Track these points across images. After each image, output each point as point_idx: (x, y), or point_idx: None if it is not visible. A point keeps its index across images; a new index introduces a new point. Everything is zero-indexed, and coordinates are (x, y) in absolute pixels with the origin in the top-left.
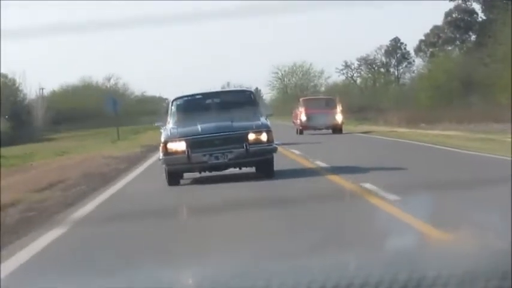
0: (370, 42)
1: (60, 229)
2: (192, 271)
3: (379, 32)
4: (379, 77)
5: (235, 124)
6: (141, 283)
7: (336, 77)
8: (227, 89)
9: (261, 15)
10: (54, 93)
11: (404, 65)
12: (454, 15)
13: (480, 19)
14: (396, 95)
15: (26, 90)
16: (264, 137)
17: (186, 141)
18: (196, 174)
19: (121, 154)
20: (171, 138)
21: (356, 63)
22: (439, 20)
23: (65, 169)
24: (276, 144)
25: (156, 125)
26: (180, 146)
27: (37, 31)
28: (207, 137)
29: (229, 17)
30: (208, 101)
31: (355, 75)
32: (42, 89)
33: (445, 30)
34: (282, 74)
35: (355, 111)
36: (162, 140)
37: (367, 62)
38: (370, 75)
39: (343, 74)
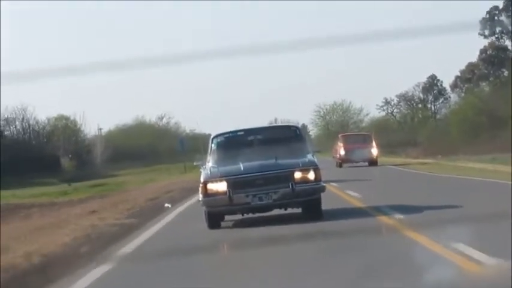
0: (409, 79)
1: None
2: None
3: (417, 70)
4: (417, 113)
5: (280, 162)
6: None
7: (377, 113)
8: (271, 124)
9: (302, 54)
10: (110, 133)
11: (440, 101)
12: (488, 52)
13: None
14: (431, 129)
15: (86, 130)
16: (311, 175)
17: (228, 181)
18: (239, 216)
19: (196, 178)
20: (211, 178)
21: (395, 100)
22: (474, 57)
23: (162, 188)
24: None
25: (195, 164)
26: (220, 186)
27: (88, 69)
28: (249, 176)
29: (275, 54)
30: (251, 138)
31: (394, 111)
32: (101, 129)
33: (480, 67)
34: (323, 112)
35: (394, 146)
36: (202, 180)
37: (406, 99)
38: (409, 111)
39: (384, 110)
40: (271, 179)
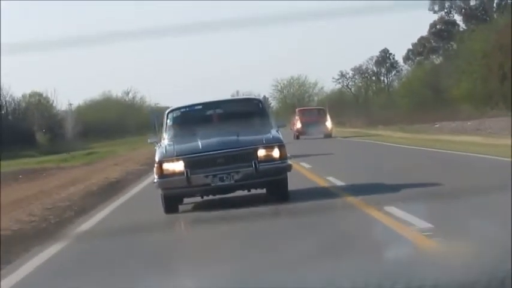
0: (363, 53)
1: None
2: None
3: (370, 44)
4: (371, 85)
5: (242, 138)
6: None
7: (333, 86)
8: (232, 97)
9: (261, 29)
10: (79, 108)
11: (393, 73)
12: (438, 27)
13: (461, 29)
14: (383, 101)
15: (57, 106)
16: (276, 152)
17: (185, 160)
18: (198, 199)
19: None
20: (167, 157)
21: (351, 73)
22: (424, 31)
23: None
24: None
25: (149, 142)
26: (177, 166)
27: (56, 45)
28: (209, 154)
29: (234, 31)
30: (210, 112)
31: (350, 84)
32: (71, 104)
33: (430, 40)
34: (281, 87)
35: (348, 117)
36: (156, 159)
37: (360, 72)
38: (363, 83)
39: (339, 83)
40: (233, 158)
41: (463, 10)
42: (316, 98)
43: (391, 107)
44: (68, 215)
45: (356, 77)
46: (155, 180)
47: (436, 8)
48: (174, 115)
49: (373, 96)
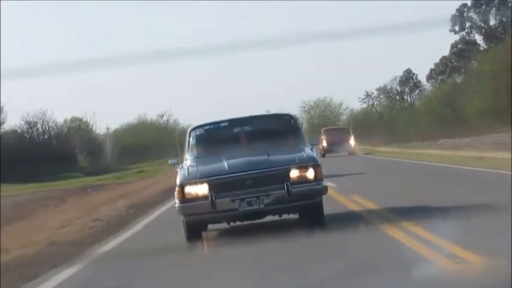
0: (387, 73)
1: None
2: None
3: (394, 64)
4: (395, 104)
5: (273, 158)
6: None
7: (358, 105)
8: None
9: (290, 50)
10: (117, 131)
11: (416, 92)
12: (459, 46)
13: (482, 48)
14: (406, 119)
15: (96, 130)
16: (310, 173)
17: (209, 182)
18: (223, 225)
19: None
20: (189, 179)
21: (376, 93)
22: (446, 51)
23: None
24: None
25: (170, 163)
26: (201, 189)
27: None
28: (236, 176)
29: (263, 52)
30: (237, 130)
31: (375, 103)
32: (109, 128)
33: (452, 60)
34: (308, 108)
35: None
36: (178, 182)
37: (384, 91)
38: (388, 102)
39: (365, 102)
40: (263, 179)
41: (483, 30)
42: (342, 118)
43: (412, 125)
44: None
45: (381, 96)
46: (176, 205)
47: (457, 28)
48: (198, 133)
49: (397, 114)
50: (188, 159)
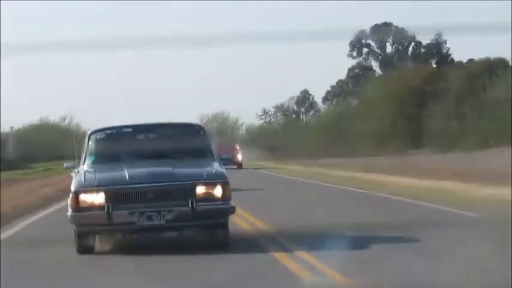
0: (284, 92)
1: None
2: None
3: (292, 84)
4: (290, 123)
5: (179, 171)
6: None
7: (256, 121)
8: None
9: (192, 61)
10: (19, 131)
11: (311, 113)
12: (355, 71)
13: (377, 75)
14: (298, 137)
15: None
16: (218, 191)
17: (107, 192)
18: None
19: None
20: (85, 186)
21: (273, 110)
22: (343, 75)
23: None
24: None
25: (65, 166)
26: (97, 198)
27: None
28: (136, 187)
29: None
30: (141, 137)
31: (272, 120)
32: (12, 127)
33: (348, 84)
34: (205, 121)
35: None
36: (72, 188)
37: (281, 110)
38: (284, 120)
39: (262, 118)
40: (166, 193)
41: (380, 57)
42: (240, 133)
43: (303, 143)
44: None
45: (278, 114)
46: (69, 213)
47: (355, 54)
48: (98, 137)
49: (290, 132)
50: (86, 165)
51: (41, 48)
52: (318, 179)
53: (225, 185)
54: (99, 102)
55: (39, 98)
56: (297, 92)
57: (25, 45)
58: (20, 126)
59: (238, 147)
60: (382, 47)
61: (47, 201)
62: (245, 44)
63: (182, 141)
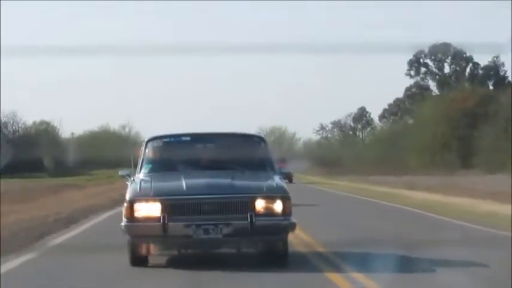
0: (342, 109)
1: None
2: None
3: (350, 101)
4: (347, 139)
5: (238, 183)
6: None
7: (312, 136)
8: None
9: (252, 76)
10: (80, 138)
11: (368, 130)
12: (412, 90)
13: (434, 94)
14: (353, 153)
15: (62, 134)
16: (278, 206)
17: (163, 202)
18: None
19: None
20: (141, 196)
21: (330, 126)
22: (401, 93)
23: None
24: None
25: (120, 174)
26: (153, 208)
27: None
28: (194, 198)
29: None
30: (200, 146)
31: (329, 135)
32: (73, 134)
33: (405, 102)
34: (264, 134)
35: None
36: (127, 197)
37: (338, 126)
38: (340, 137)
39: (319, 134)
40: (224, 206)
41: (437, 77)
42: (296, 147)
43: (358, 160)
44: None
45: (334, 130)
46: (123, 224)
47: (413, 73)
48: (155, 145)
49: (346, 148)
50: (142, 173)
51: (105, 51)
52: (363, 194)
53: (285, 199)
54: (158, 111)
55: (101, 105)
56: (354, 109)
57: (91, 49)
58: (81, 132)
59: (287, 162)
60: (440, 67)
61: (114, 203)
62: (305, 53)
63: (242, 152)
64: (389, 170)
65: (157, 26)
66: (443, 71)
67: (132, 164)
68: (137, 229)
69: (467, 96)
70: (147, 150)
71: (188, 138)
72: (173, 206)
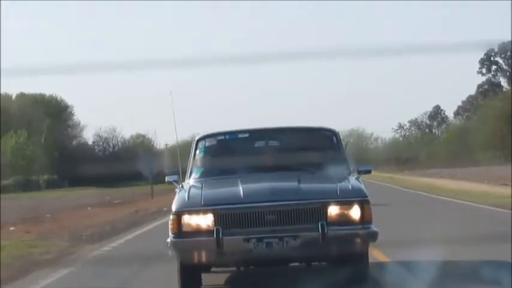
0: (418, 108)
1: None
2: None
3: (426, 100)
4: (423, 136)
5: (306, 186)
6: None
7: (389, 134)
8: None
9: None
10: (173, 148)
11: (443, 126)
12: (484, 87)
13: (505, 89)
14: (427, 150)
15: (156, 146)
16: (355, 212)
17: (216, 212)
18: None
19: None
20: (190, 206)
21: (407, 125)
22: (473, 90)
23: None
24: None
25: (167, 180)
26: (204, 220)
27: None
28: (253, 207)
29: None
30: (260, 144)
31: (407, 134)
32: (167, 144)
33: (477, 99)
34: (342, 136)
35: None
36: (174, 208)
37: (415, 124)
38: (418, 134)
39: (397, 132)
40: (290, 215)
41: (508, 73)
42: (371, 147)
43: (431, 155)
44: None
45: (412, 128)
46: (169, 240)
47: (484, 71)
48: (207, 145)
49: (422, 145)
50: (191, 178)
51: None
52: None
53: (364, 204)
54: (235, 120)
55: (191, 116)
56: (429, 108)
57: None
58: (174, 143)
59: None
60: (510, 64)
61: None
62: (379, 56)
63: (310, 150)
64: (459, 163)
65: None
66: None
67: (179, 169)
68: (187, 246)
69: None
70: (197, 151)
71: (246, 135)
72: (228, 217)
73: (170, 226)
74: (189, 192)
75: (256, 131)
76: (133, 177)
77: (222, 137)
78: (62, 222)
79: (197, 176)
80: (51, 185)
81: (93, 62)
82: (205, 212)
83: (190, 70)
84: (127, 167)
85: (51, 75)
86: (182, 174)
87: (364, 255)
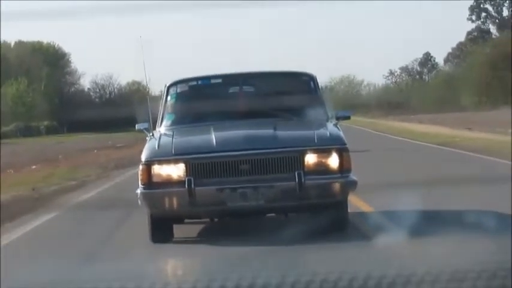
0: (409, 55)
1: None
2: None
3: (416, 47)
4: (414, 83)
5: (282, 134)
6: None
7: (379, 82)
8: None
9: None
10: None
11: (433, 73)
12: (474, 34)
13: (494, 36)
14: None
15: (152, 93)
16: (334, 160)
17: (188, 162)
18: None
19: None
20: (160, 156)
21: (398, 71)
22: (462, 37)
23: None
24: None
25: (137, 128)
26: (175, 171)
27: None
28: (227, 155)
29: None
30: (234, 90)
31: (397, 80)
32: (161, 91)
33: (467, 46)
34: (333, 84)
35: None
36: (143, 158)
37: (406, 71)
38: (408, 81)
39: (389, 79)
40: (265, 163)
41: (497, 20)
42: (363, 93)
43: (420, 101)
44: None
45: (403, 75)
46: (138, 191)
47: (474, 17)
48: (179, 91)
49: (413, 92)
50: (162, 126)
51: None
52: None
53: (343, 152)
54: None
55: (185, 62)
56: (419, 55)
57: None
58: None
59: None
60: (499, 11)
61: None
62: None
63: (287, 95)
64: (447, 109)
65: None
66: (502, 15)
67: (149, 117)
68: (157, 197)
69: (506, 42)
70: (168, 98)
71: (219, 81)
72: (201, 167)
73: (140, 177)
74: (159, 141)
75: (230, 76)
76: (130, 123)
77: (195, 83)
78: (77, 161)
79: (168, 123)
80: (51, 130)
81: (89, 5)
82: (176, 161)
83: (183, 13)
84: (123, 113)
85: (49, 20)
86: (154, 123)
87: (343, 206)
